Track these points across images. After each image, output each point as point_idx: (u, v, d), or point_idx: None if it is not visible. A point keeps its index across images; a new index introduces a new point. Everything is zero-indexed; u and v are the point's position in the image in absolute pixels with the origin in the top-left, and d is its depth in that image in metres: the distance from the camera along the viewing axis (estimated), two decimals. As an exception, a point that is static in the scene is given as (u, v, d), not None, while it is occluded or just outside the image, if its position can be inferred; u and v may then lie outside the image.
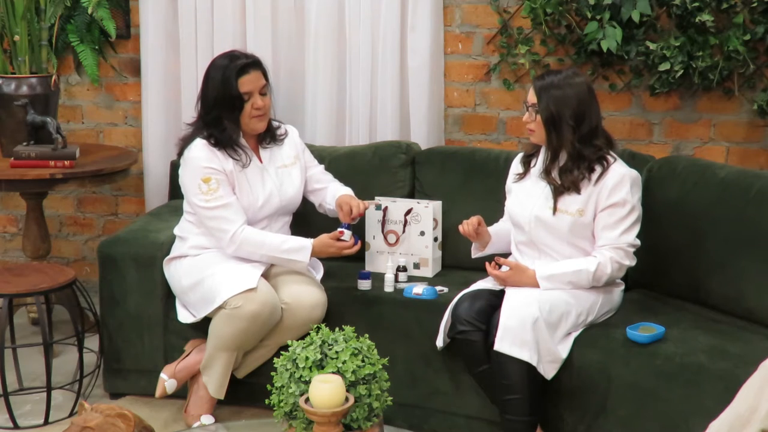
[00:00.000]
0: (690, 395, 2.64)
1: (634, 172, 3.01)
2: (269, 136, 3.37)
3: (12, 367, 3.54)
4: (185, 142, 3.26)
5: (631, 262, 3.00)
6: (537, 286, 2.96)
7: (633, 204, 2.97)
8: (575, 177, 2.98)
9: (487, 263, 3.05)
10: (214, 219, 3.20)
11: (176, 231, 3.38)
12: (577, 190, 2.98)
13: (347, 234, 3.22)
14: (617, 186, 2.95)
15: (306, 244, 3.21)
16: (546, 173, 3.04)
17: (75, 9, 4.20)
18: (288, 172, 3.38)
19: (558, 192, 3.00)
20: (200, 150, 3.20)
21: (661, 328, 2.86)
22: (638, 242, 3.00)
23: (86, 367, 3.43)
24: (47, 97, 3.87)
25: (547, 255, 3.06)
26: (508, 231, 3.22)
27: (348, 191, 3.43)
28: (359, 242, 3.25)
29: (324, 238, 3.22)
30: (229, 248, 3.20)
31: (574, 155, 2.97)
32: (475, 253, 3.28)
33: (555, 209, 3.00)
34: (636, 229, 2.99)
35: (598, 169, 2.98)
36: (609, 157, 2.99)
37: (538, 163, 3.11)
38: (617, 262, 2.96)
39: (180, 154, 3.28)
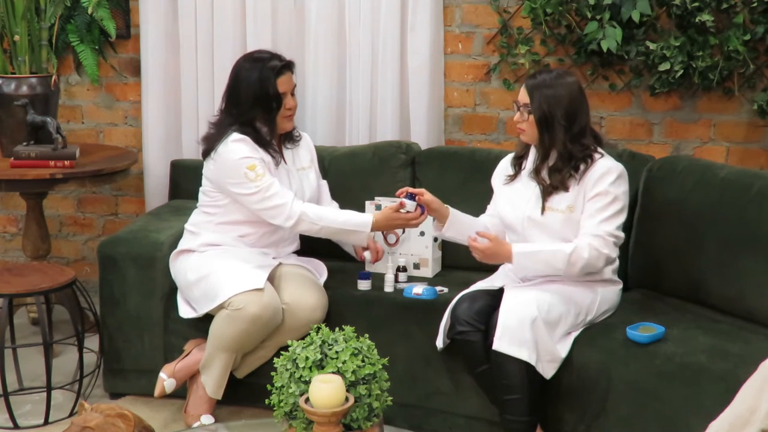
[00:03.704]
0: (690, 395, 2.64)
1: (619, 166, 2.99)
2: (289, 138, 3.38)
3: (12, 367, 3.54)
4: (210, 141, 3.24)
5: (611, 252, 2.95)
6: (511, 261, 2.95)
7: (616, 195, 2.94)
8: (563, 176, 2.97)
9: (469, 236, 3.02)
10: (267, 199, 3.16)
11: (188, 225, 3.38)
12: (566, 189, 2.97)
13: (410, 204, 3.09)
14: (601, 177, 2.94)
15: (367, 219, 3.19)
16: (536, 173, 3.03)
17: (75, 9, 4.20)
18: (306, 174, 3.40)
19: (547, 192, 3.00)
20: (240, 143, 3.18)
21: (661, 328, 2.86)
22: (621, 234, 2.96)
23: (86, 367, 3.42)
24: (47, 97, 3.87)
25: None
26: (477, 221, 3.19)
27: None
28: (425, 211, 3.12)
29: (387, 211, 3.17)
30: (288, 221, 3.16)
31: (565, 155, 2.97)
32: (436, 230, 3.22)
33: (543, 208, 3.00)
34: (618, 221, 2.95)
35: (583, 166, 2.97)
36: (595, 154, 2.99)
37: (528, 164, 3.11)
38: (596, 249, 2.90)
39: (206, 152, 3.24)
